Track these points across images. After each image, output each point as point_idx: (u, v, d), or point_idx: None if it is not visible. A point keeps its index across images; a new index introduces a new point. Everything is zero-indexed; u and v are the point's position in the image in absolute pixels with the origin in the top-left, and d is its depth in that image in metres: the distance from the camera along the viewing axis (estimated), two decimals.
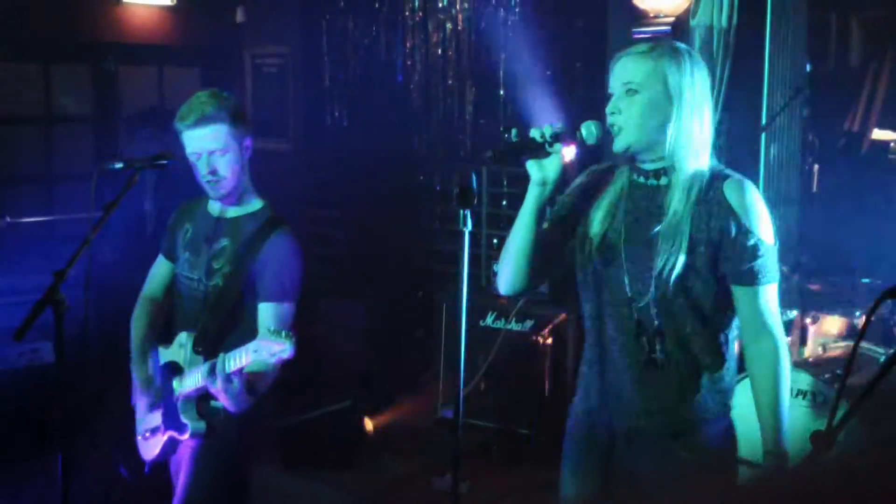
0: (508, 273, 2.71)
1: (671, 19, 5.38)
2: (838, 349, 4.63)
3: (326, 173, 6.99)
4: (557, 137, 2.52)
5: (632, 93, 2.52)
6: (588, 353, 2.79)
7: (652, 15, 5.40)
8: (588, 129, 2.52)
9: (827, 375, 4.28)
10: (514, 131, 2.56)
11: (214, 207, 3.38)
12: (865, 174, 6.87)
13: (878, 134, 7.05)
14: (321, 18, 6.98)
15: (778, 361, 2.53)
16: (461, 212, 2.67)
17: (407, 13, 6.45)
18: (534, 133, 2.53)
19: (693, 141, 2.54)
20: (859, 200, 6.30)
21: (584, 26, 5.85)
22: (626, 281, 2.60)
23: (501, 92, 5.97)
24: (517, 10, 5.92)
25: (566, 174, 2.60)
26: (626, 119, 2.53)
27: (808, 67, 5.27)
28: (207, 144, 3.20)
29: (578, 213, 2.71)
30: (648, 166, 2.61)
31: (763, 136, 5.68)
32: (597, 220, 2.65)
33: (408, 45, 6.48)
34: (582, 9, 5.80)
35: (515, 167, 2.67)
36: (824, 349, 4.65)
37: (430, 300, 5.88)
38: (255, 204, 3.36)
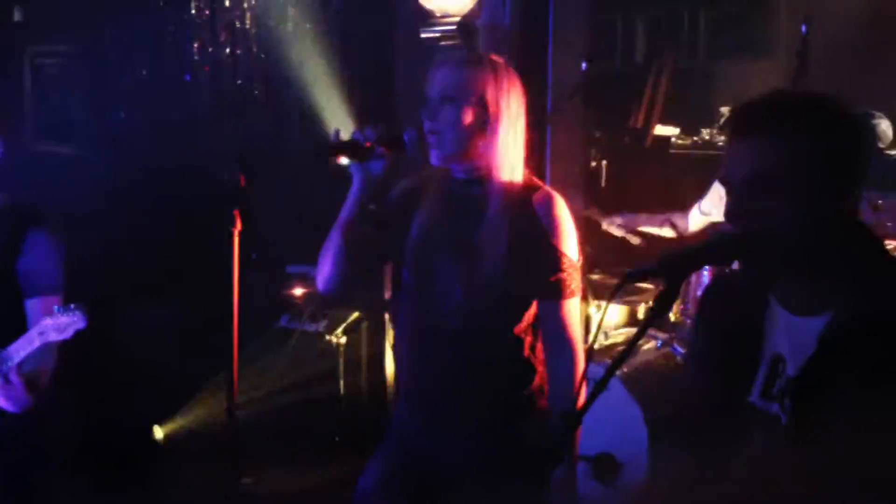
0: (328, 272, 2.72)
1: (457, 19, 5.47)
2: (620, 336, 4.82)
3: (117, 176, 6.75)
4: (379, 141, 2.55)
5: (449, 101, 2.56)
6: (397, 357, 2.82)
7: (438, 15, 5.48)
8: (410, 135, 2.56)
9: (608, 362, 4.45)
10: (336, 133, 2.59)
11: None
12: (649, 168, 7.18)
13: (661, 130, 7.39)
14: (106, 17, 6.75)
15: (575, 374, 2.60)
16: (231, 211, 2.67)
17: (194, 11, 6.32)
18: (356, 136, 2.55)
19: (508, 154, 2.60)
20: (644, 193, 6.58)
21: (375, 23, 5.88)
22: (438, 288, 2.64)
23: (291, 91, 5.93)
24: (306, 8, 5.90)
25: (387, 177, 2.63)
26: (443, 127, 2.56)
27: (583, 66, 5.43)
28: None
29: (400, 218, 2.72)
30: (464, 175, 2.64)
31: (548, 132, 5.85)
32: (414, 228, 2.68)
33: (195, 44, 6.36)
34: (369, 8, 5.82)
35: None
36: (606, 337, 4.83)
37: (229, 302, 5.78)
38: (2, 201, 3.22)
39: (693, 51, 7.81)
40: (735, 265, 1.95)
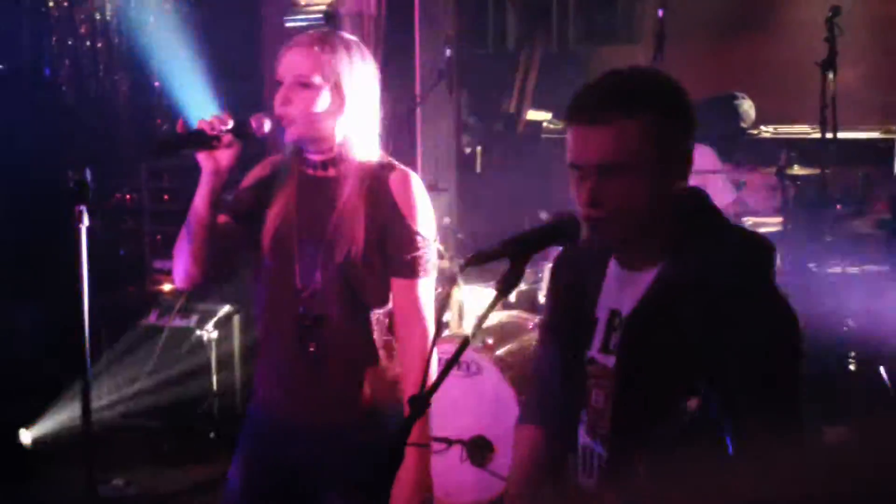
0: (184, 265, 2.62)
1: (323, 7, 5.45)
2: (493, 320, 4.85)
3: None
4: (227, 129, 2.48)
5: (302, 85, 2.52)
6: (259, 347, 2.77)
7: (303, 3, 5.46)
8: (258, 122, 2.50)
9: (479, 345, 4.49)
10: (180, 122, 2.50)
11: None
12: (523, 152, 7.28)
13: (533, 115, 7.49)
14: None
15: (426, 354, 2.56)
16: (77, 208, 2.59)
17: (51, 3, 6.13)
18: (202, 125, 2.48)
19: (361, 132, 2.58)
20: (519, 177, 6.67)
21: (239, 13, 5.81)
22: (296, 274, 2.59)
23: (156, 83, 5.81)
24: None
25: (235, 166, 2.56)
26: (296, 112, 2.51)
27: (447, 52, 5.46)
28: None
29: (255, 206, 2.67)
30: (317, 157, 2.61)
31: (418, 119, 5.87)
32: (270, 215, 2.64)
33: (54, 37, 6.17)
34: None
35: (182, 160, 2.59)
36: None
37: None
38: None
39: (563, 36, 7.90)
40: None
